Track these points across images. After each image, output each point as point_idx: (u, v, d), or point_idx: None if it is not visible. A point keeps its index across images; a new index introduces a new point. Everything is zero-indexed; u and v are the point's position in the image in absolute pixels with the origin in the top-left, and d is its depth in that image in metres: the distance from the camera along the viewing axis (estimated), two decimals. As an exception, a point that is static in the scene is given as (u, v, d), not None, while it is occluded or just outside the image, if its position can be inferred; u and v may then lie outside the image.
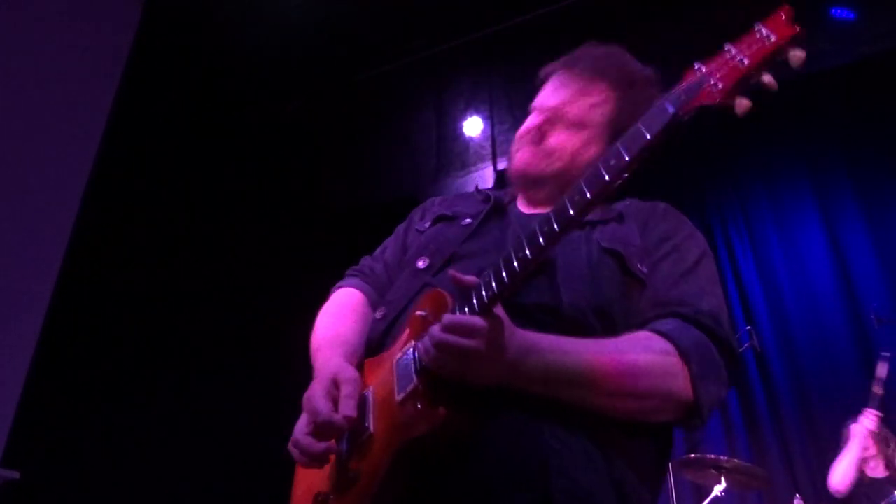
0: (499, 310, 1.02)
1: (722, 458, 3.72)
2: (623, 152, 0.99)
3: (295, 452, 1.15)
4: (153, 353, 4.18)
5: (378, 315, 1.33)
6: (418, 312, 1.12)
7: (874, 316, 4.24)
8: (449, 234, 1.36)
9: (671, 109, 0.97)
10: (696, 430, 1.15)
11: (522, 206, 1.42)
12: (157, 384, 4.16)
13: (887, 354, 3.79)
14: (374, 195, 4.99)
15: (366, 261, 1.56)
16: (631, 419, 1.10)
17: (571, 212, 1.00)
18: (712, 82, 0.96)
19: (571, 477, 1.02)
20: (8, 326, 3.16)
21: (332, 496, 1.15)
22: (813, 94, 4.52)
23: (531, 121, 1.41)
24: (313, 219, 5.11)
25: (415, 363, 1.07)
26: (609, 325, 1.15)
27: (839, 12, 3.90)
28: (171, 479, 3.96)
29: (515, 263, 1.01)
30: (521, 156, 1.39)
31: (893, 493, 3.64)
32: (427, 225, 1.45)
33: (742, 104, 0.95)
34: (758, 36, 0.96)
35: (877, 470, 3.98)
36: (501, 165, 4.50)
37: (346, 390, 1.13)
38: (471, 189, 1.75)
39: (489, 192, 1.47)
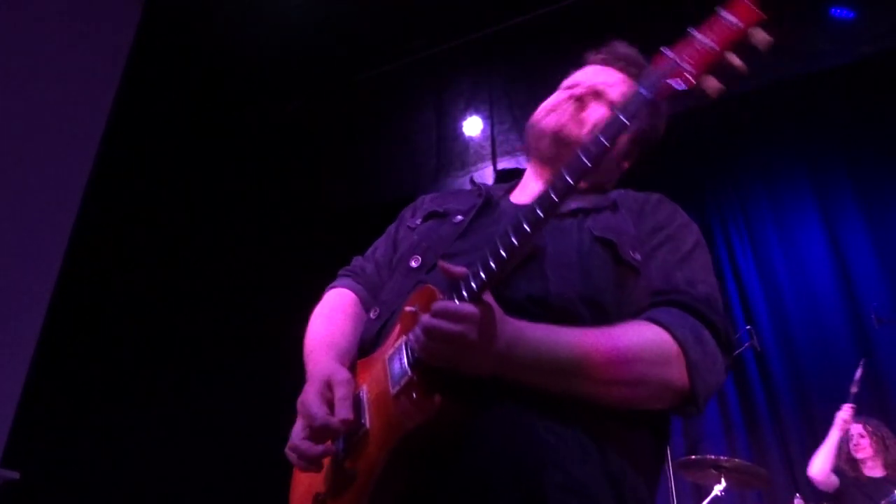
0: (489, 297, 1.02)
1: (722, 457, 3.72)
2: (602, 139, 1.02)
3: (293, 457, 1.14)
4: (153, 353, 4.18)
5: (372, 315, 1.33)
6: (408, 308, 1.12)
7: (874, 316, 4.26)
8: (441, 231, 1.35)
9: (646, 94, 1.01)
10: (692, 417, 1.15)
11: (515, 199, 1.42)
12: (156, 384, 4.16)
13: (863, 360, 4.15)
14: (374, 195, 4.99)
15: (357, 261, 1.55)
16: (626, 408, 1.10)
17: (555, 197, 1.02)
18: (683, 66, 0.99)
19: (566, 470, 1.01)
20: (8, 326, 3.16)
21: (330, 496, 1.15)
22: (813, 94, 4.52)
23: (575, 91, 1.42)
24: (313, 219, 5.11)
25: (408, 356, 1.07)
26: (600, 314, 1.14)
27: (839, 12, 3.90)
28: (171, 479, 3.96)
29: (502, 251, 1.01)
30: (557, 116, 1.40)
31: (893, 492, 3.65)
32: (418, 222, 1.44)
33: (713, 86, 0.98)
34: (723, 21, 1.01)
35: (875, 470, 4.00)
36: (501, 165, 4.51)
37: (339, 392, 1.13)
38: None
39: (482, 186, 1.46)
